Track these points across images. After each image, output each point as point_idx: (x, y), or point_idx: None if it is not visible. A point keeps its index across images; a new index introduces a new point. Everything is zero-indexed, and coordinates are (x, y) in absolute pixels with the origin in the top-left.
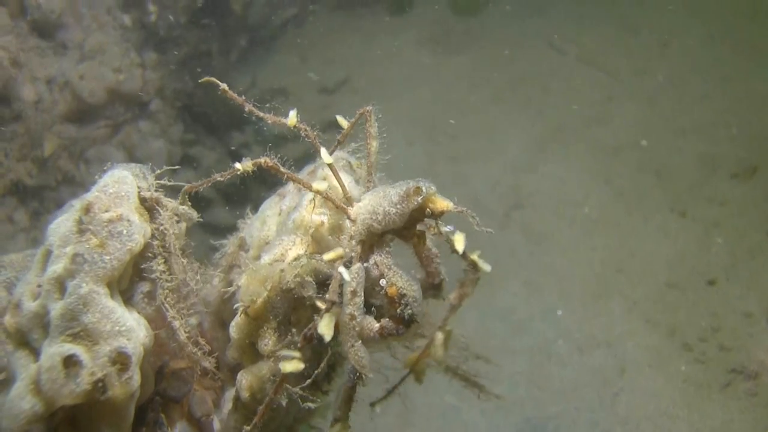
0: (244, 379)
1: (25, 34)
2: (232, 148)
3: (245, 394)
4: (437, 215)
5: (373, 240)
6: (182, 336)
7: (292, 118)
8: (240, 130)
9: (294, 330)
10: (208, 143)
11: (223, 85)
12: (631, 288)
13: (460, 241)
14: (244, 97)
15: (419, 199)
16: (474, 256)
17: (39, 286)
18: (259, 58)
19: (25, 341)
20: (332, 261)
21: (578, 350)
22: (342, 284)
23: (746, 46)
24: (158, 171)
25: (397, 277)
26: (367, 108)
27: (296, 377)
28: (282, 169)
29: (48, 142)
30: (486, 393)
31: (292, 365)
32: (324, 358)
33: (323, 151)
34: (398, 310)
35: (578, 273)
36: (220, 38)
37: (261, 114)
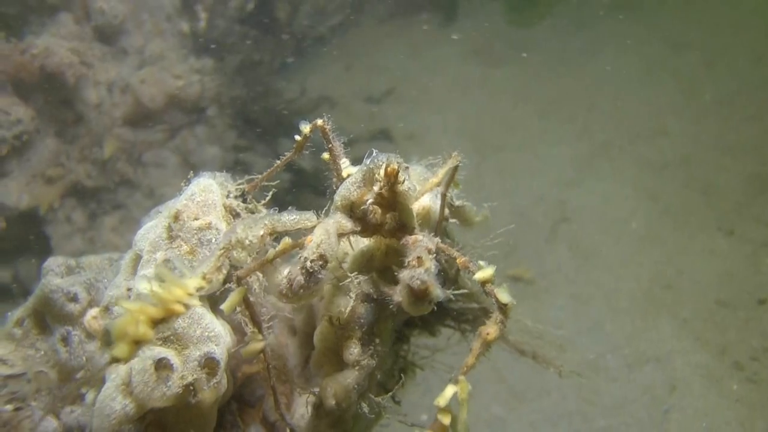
0: (329, 387)
1: (89, 39)
2: (282, 155)
3: (331, 402)
4: (388, 179)
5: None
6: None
7: (324, 157)
8: (288, 137)
9: (377, 341)
10: (259, 150)
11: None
12: (679, 305)
13: (487, 271)
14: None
15: (368, 161)
16: (499, 291)
17: (129, 289)
18: (305, 66)
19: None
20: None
21: (627, 366)
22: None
23: None
24: (240, 180)
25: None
26: (455, 153)
27: (372, 384)
28: (330, 136)
29: (108, 145)
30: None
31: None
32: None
33: (345, 162)
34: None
35: (626, 288)
36: (270, 46)
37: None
